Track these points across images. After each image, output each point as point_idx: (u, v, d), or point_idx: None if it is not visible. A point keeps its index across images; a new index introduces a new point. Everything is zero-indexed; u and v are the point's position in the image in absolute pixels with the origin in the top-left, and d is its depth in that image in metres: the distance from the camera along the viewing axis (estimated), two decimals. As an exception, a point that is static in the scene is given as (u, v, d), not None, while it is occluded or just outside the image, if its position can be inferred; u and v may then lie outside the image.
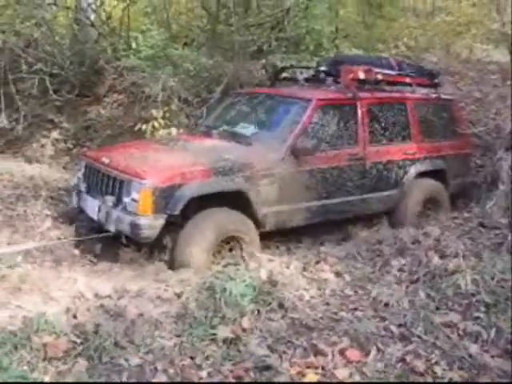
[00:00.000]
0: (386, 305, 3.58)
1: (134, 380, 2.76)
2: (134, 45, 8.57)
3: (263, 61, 8.66)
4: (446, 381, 2.84)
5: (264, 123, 5.65)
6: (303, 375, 2.83)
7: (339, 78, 5.89)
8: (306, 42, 9.41)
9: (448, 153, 6.44)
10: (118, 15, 9.72)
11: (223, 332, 3.15)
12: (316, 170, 5.26)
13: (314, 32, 9.34)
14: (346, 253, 4.59)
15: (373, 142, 5.75)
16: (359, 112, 5.66)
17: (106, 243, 5.00)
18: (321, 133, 5.40)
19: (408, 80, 6.42)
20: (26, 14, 8.22)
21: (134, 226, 4.43)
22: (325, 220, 5.47)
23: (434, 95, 6.62)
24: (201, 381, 2.78)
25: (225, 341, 3.10)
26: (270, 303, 3.51)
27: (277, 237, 5.49)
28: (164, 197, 4.44)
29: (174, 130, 6.99)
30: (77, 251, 5.00)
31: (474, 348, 3.09)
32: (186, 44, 9.72)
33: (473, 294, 3.56)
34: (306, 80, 6.25)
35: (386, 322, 3.36)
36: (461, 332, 3.25)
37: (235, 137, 5.42)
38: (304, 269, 4.20)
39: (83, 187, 5.23)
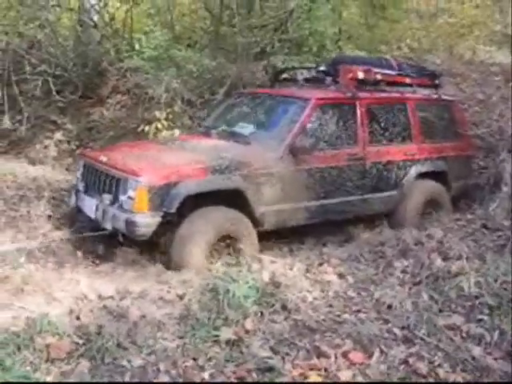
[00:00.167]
0: (389, 307, 3.57)
1: (136, 381, 2.76)
2: (137, 46, 8.57)
3: (265, 62, 8.65)
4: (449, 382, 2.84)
5: (263, 123, 5.64)
6: (306, 377, 2.82)
7: (338, 77, 5.86)
8: (308, 44, 9.39)
9: (449, 154, 6.39)
10: (121, 17, 9.72)
11: (226, 333, 3.15)
12: (315, 170, 5.23)
13: (317, 34, 9.32)
14: (349, 254, 4.59)
15: (373, 142, 5.72)
16: (358, 112, 5.64)
17: (108, 244, 5.00)
18: (320, 132, 5.39)
19: (408, 80, 6.39)
20: (29, 16, 8.25)
21: (130, 224, 4.43)
22: (324, 220, 5.44)
23: (435, 96, 6.58)
24: (203, 381, 2.78)
25: (227, 342, 3.10)
26: (272, 305, 3.51)
27: (279, 238, 5.49)
28: (160, 194, 4.44)
29: (177, 132, 6.99)
30: (79, 252, 5.01)
31: (477, 350, 3.08)
32: (189, 45, 9.71)
33: (476, 297, 3.56)
34: (306, 80, 6.22)
35: (389, 324, 3.35)
36: (464, 334, 3.25)
37: (233, 136, 5.42)
38: (307, 270, 4.20)
39: (81, 186, 5.24)
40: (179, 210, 4.52)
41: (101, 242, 5.07)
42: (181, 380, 2.78)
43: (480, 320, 3.36)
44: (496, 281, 3.66)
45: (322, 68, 6.25)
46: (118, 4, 9.82)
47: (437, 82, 6.79)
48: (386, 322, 3.40)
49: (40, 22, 8.24)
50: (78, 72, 8.63)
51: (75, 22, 9.40)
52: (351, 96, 5.65)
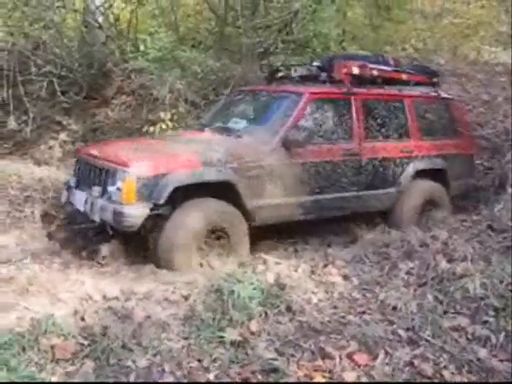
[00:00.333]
0: (394, 308, 3.56)
1: (141, 381, 2.76)
2: (142, 47, 8.59)
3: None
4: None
5: (256, 118, 5.62)
6: (311, 378, 2.82)
7: (333, 73, 5.78)
8: (313, 45, 9.40)
9: (448, 152, 6.33)
10: (125, 17, 9.75)
11: (231, 335, 3.15)
12: (309, 164, 5.18)
13: (321, 35, 9.33)
14: (354, 256, 4.57)
15: (369, 138, 5.68)
16: (354, 107, 5.60)
17: (113, 245, 5.01)
18: (313, 126, 5.35)
19: (405, 77, 6.33)
20: (34, 17, 8.27)
21: (117, 215, 4.40)
22: (319, 216, 5.39)
23: (434, 94, 6.52)
24: (208, 382, 2.78)
25: (232, 343, 3.09)
26: (277, 306, 3.50)
27: (284, 238, 5.50)
28: (148, 185, 4.41)
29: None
30: (84, 253, 5.02)
31: (482, 352, 3.07)
32: (193, 46, 9.73)
33: (481, 298, 3.54)
34: (301, 78, 6.12)
35: (394, 326, 3.34)
36: (469, 336, 3.23)
37: (227, 131, 5.41)
38: (312, 272, 4.19)
39: (73, 182, 5.22)
40: (171, 203, 4.48)
41: (105, 243, 5.07)
42: (185, 381, 2.77)
43: (485, 322, 3.34)
44: (501, 282, 3.64)
45: (316, 64, 6.15)
46: (123, 5, 9.84)
47: (435, 80, 6.72)
48: (391, 323, 3.39)
49: (45, 23, 8.26)
50: (83, 73, 8.64)
51: (80, 22, 9.42)
52: (346, 91, 5.61)
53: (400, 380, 2.84)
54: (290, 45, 9.49)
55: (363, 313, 3.54)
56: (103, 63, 8.80)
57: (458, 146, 6.48)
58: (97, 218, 4.64)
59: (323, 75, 5.89)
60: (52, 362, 2.84)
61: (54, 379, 2.73)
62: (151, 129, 7.09)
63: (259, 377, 2.82)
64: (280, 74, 6.43)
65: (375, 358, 3.01)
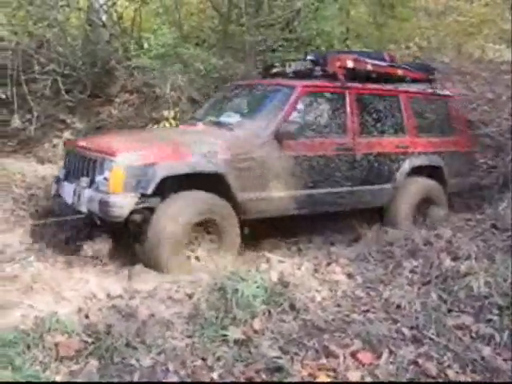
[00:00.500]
0: (398, 307, 3.56)
1: (145, 380, 2.77)
2: (145, 45, 8.60)
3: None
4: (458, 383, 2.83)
5: (249, 111, 5.59)
6: (315, 377, 2.82)
7: (327, 66, 5.74)
8: (316, 44, 9.39)
9: (445, 150, 6.30)
10: (129, 16, 9.75)
11: (234, 333, 3.14)
12: (302, 158, 5.13)
13: (324, 34, 9.32)
14: (357, 254, 4.57)
15: (363, 133, 5.64)
16: (348, 101, 5.56)
17: (117, 243, 5.01)
18: (306, 120, 5.31)
19: (400, 72, 6.29)
20: (38, 16, 8.28)
21: (104, 204, 4.32)
22: (313, 211, 5.34)
23: (430, 90, 6.47)
24: (212, 381, 2.79)
25: (236, 342, 3.09)
26: (281, 304, 3.49)
27: (287, 237, 5.50)
28: (136, 175, 4.33)
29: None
30: (89, 251, 5.02)
31: (486, 351, 3.06)
32: (197, 44, 9.73)
33: (485, 297, 3.53)
34: (296, 73, 6.03)
35: (398, 324, 3.34)
36: (473, 334, 3.22)
37: (219, 124, 5.38)
38: (315, 270, 4.18)
39: (62, 174, 5.16)
40: (160, 196, 4.44)
41: (110, 242, 5.08)
42: (190, 380, 2.78)
43: (489, 320, 3.33)
44: (505, 281, 3.63)
45: (310, 57, 6.06)
46: (127, 3, 9.84)
47: (431, 76, 6.68)
48: (395, 321, 3.38)
49: (49, 22, 8.26)
50: (87, 71, 8.66)
51: (84, 21, 9.43)
52: (340, 85, 5.56)
53: (404, 379, 2.83)
54: (293, 43, 9.47)
55: (367, 311, 3.53)
56: (107, 61, 8.82)
57: (456, 144, 6.44)
58: (84, 209, 4.55)
59: (317, 69, 5.82)
60: (56, 361, 2.84)
61: (58, 378, 2.73)
62: (155, 127, 7.10)
63: (263, 376, 2.82)
64: (275, 70, 6.38)
65: (379, 356, 3.00)
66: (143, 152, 4.47)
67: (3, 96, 7.86)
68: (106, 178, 4.40)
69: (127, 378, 2.76)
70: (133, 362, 2.87)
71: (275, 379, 2.80)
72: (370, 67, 5.92)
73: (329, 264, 4.31)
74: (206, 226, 4.62)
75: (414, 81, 6.42)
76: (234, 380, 2.79)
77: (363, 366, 2.92)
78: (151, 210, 4.46)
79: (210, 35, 10.29)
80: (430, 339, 3.18)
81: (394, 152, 5.82)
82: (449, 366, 2.94)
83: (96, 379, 2.74)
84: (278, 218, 5.19)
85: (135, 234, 4.59)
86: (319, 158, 5.24)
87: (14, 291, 3.83)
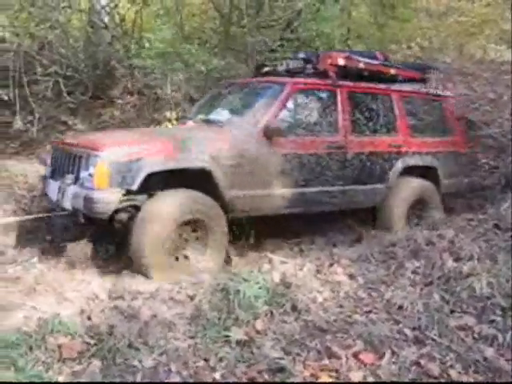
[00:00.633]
0: (400, 307, 3.55)
1: (147, 381, 2.77)
2: (146, 45, 8.61)
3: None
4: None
5: (240, 109, 5.53)
6: (317, 377, 2.82)
7: (318, 64, 5.71)
8: (316, 45, 9.39)
9: (440, 150, 6.24)
10: (131, 18, 9.76)
11: (237, 334, 3.15)
12: (292, 155, 5.07)
13: (324, 35, 9.32)
14: (359, 255, 4.56)
15: (355, 131, 5.59)
16: (339, 99, 5.52)
17: (119, 245, 5.02)
18: (297, 117, 5.27)
19: (393, 71, 6.24)
20: (40, 17, 8.30)
21: (88, 200, 4.25)
22: (304, 210, 5.28)
23: (425, 90, 6.42)
24: (214, 382, 2.79)
25: (238, 342, 3.09)
26: (283, 305, 3.50)
27: (289, 238, 5.50)
28: (121, 171, 4.26)
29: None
30: (91, 253, 5.03)
31: (489, 351, 3.05)
32: (199, 45, 9.73)
33: (488, 297, 3.52)
34: (288, 71, 5.99)
35: (400, 325, 3.33)
36: (476, 335, 3.22)
37: (209, 122, 5.36)
38: (317, 271, 4.18)
39: (48, 172, 5.12)
40: (147, 193, 4.40)
41: (112, 243, 5.09)
42: (192, 380, 2.78)
43: (492, 321, 3.33)
44: (508, 281, 3.62)
45: (301, 55, 6.03)
46: (128, 5, 9.85)
47: (425, 76, 6.61)
48: (397, 322, 3.38)
49: (51, 24, 8.28)
50: (89, 73, 8.67)
51: (86, 23, 9.45)
52: (331, 83, 5.53)
53: (406, 380, 2.83)
54: (294, 43, 9.46)
55: (369, 312, 3.53)
56: (109, 63, 8.84)
57: (452, 144, 6.38)
58: (68, 206, 4.49)
59: (309, 67, 5.79)
60: (59, 362, 2.85)
61: (60, 379, 2.74)
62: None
63: (265, 376, 2.82)
64: (266, 69, 6.33)
65: (381, 357, 3.00)
66: (128, 148, 4.41)
67: (5, 98, 7.89)
68: (90, 174, 4.33)
69: (130, 379, 2.76)
70: (135, 362, 2.88)
71: (277, 380, 2.80)
72: (361, 65, 5.88)
73: (331, 265, 4.31)
74: (193, 226, 4.55)
75: (409, 80, 6.37)
76: (236, 380, 2.79)
77: (365, 366, 2.92)
78: (138, 208, 4.41)
79: (211, 36, 10.29)
80: (433, 340, 3.17)
81: (387, 151, 5.77)
82: (451, 367, 2.93)
83: (99, 380, 2.74)
84: (278, 217, 5.19)
85: (122, 235, 4.54)
86: (310, 156, 5.18)
87: (17, 293, 3.85)
